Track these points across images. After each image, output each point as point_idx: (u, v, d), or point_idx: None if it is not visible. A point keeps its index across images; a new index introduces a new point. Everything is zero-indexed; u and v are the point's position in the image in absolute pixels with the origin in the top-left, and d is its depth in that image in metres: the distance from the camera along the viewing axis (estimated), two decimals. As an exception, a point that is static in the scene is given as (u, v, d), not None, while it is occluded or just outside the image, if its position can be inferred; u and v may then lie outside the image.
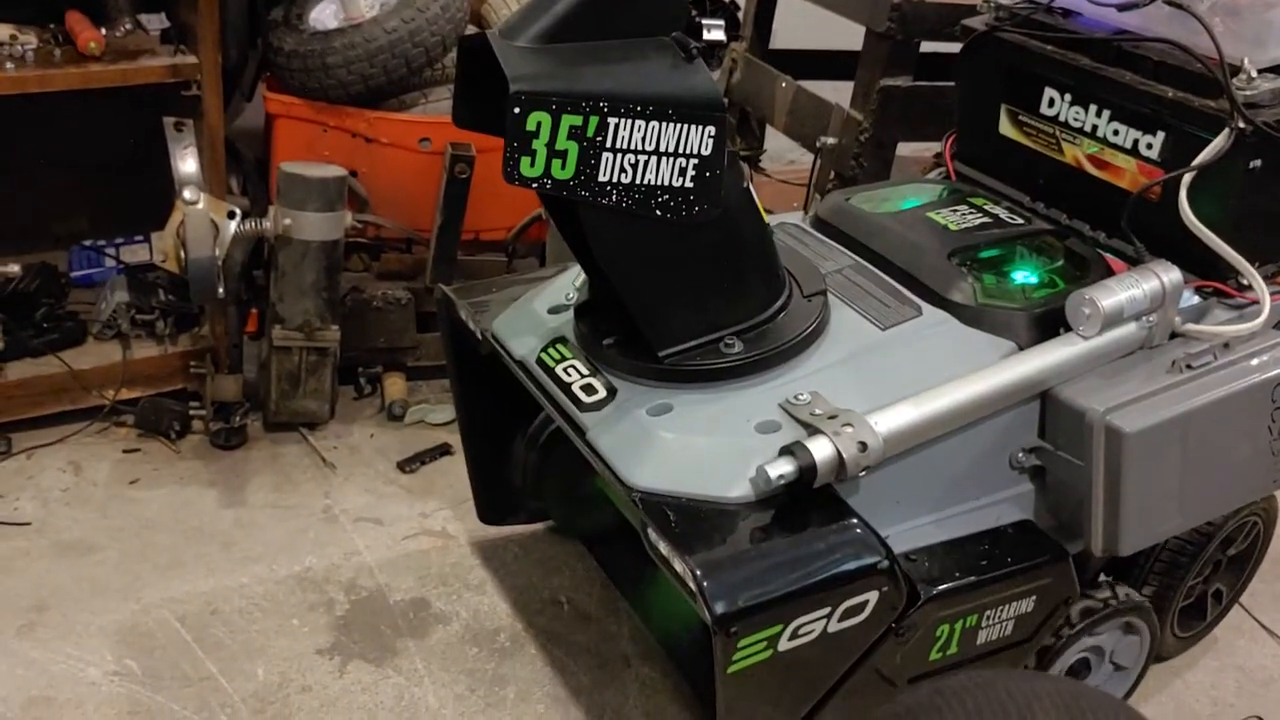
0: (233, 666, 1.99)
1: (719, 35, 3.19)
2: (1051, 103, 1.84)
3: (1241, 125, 1.58)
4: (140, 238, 2.91)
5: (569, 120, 1.34)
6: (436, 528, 2.34)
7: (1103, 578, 1.82)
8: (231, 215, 2.38)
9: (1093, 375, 1.59)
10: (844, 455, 1.41)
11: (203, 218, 2.31)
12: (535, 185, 1.37)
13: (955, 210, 1.84)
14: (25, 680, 1.95)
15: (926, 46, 2.46)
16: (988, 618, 1.58)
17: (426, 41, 2.64)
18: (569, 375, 1.61)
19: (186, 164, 2.42)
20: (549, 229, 2.73)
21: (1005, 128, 1.94)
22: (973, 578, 1.53)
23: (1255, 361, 1.62)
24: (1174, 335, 1.66)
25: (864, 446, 1.42)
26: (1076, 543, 1.66)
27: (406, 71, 2.65)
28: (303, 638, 2.07)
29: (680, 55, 1.41)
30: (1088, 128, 1.80)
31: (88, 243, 2.93)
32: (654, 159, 1.40)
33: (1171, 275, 1.60)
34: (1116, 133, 1.76)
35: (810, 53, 3.11)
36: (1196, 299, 1.72)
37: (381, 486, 2.46)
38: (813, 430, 1.44)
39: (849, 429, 1.43)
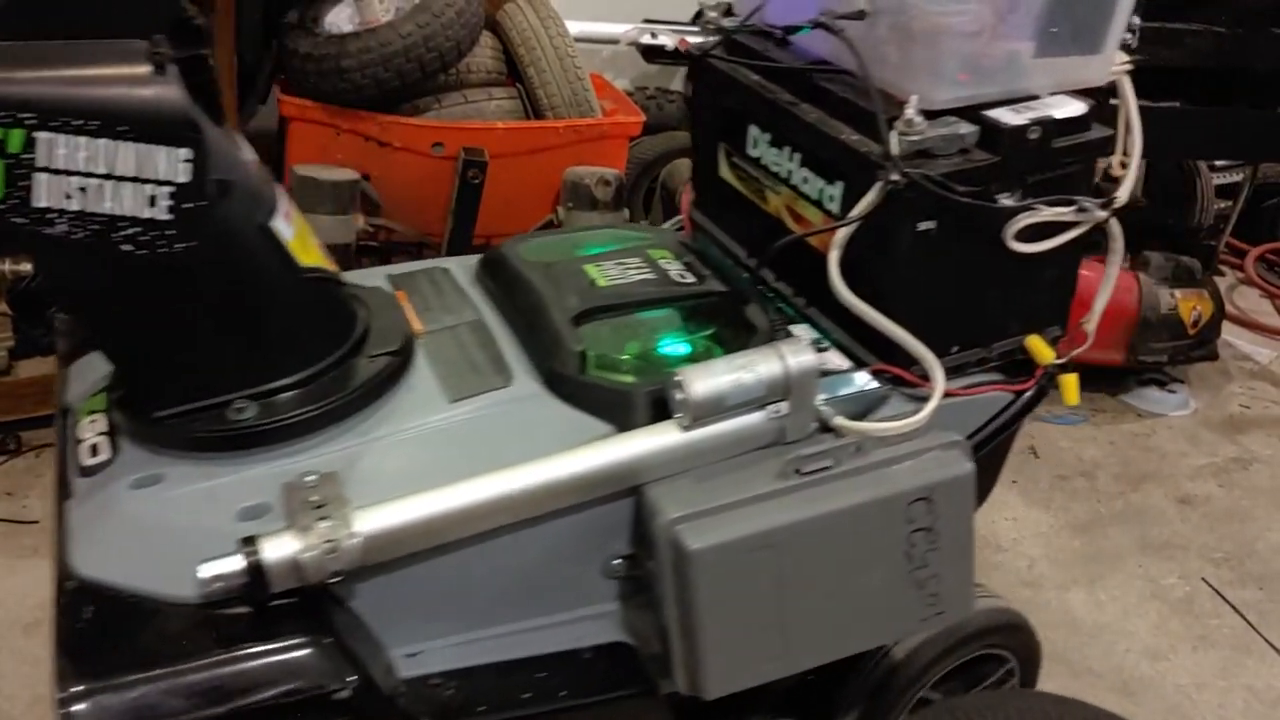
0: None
1: None
2: (755, 143, 1.56)
3: (895, 177, 1.28)
4: (151, 236, 2.91)
5: (-19, 132, 1.12)
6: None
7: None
8: None
9: (689, 475, 1.30)
10: (302, 557, 1.15)
11: (215, 219, 2.34)
12: (-51, 210, 1.15)
13: (622, 263, 1.57)
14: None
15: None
16: (531, 760, 1.30)
17: (441, 46, 2.66)
18: (86, 431, 1.38)
19: (199, 166, 2.45)
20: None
21: (724, 170, 1.66)
22: (503, 713, 1.26)
23: (889, 471, 1.31)
24: (829, 429, 1.36)
25: (335, 547, 1.17)
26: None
27: (421, 76, 2.68)
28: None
29: (148, 63, 1.17)
30: (784, 173, 1.51)
31: (98, 241, 2.94)
32: (110, 184, 1.17)
33: (801, 358, 1.30)
34: (806, 180, 1.48)
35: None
36: (873, 385, 1.42)
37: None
38: (292, 522, 1.19)
39: (323, 524, 1.18)
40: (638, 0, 3.61)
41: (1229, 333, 3.57)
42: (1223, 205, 3.72)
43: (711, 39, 1.61)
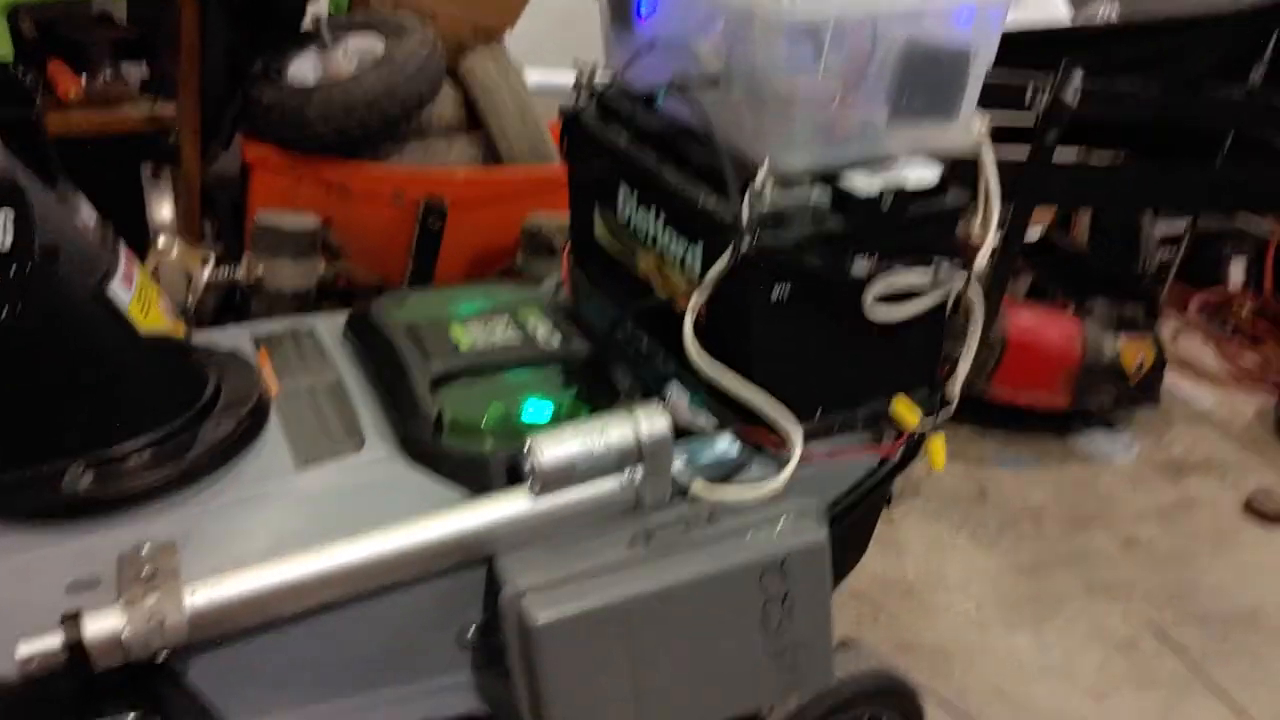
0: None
1: None
2: (624, 204, 1.57)
3: (745, 243, 1.29)
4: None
5: None
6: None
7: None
8: (205, 262, 2.46)
9: (541, 544, 1.30)
10: (123, 634, 1.15)
11: (176, 265, 2.39)
12: None
13: (489, 323, 1.57)
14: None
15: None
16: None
17: (403, 98, 2.71)
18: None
19: (162, 211, 2.60)
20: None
21: (599, 231, 1.66)
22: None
23: (743, 540, 1.31)
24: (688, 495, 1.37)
25: (161, 624, 1.16)
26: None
27: (383, 126, 2.72)
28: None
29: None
30: (651, 235, 1.52)
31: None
32: (-70, 250, 1.17)
33: (655, 424, 1.31)
34: (670, 244, 1.48)
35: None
36: (735, 449, 1.42)
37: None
38: (119, 596, 1.19)
39: (152, 598, 1.17)
40: (596, 50, 3.65)
41: (1171, 378, 3.65)
42: (1165, 253, 3.77)
43: (583, 99, 1.62)
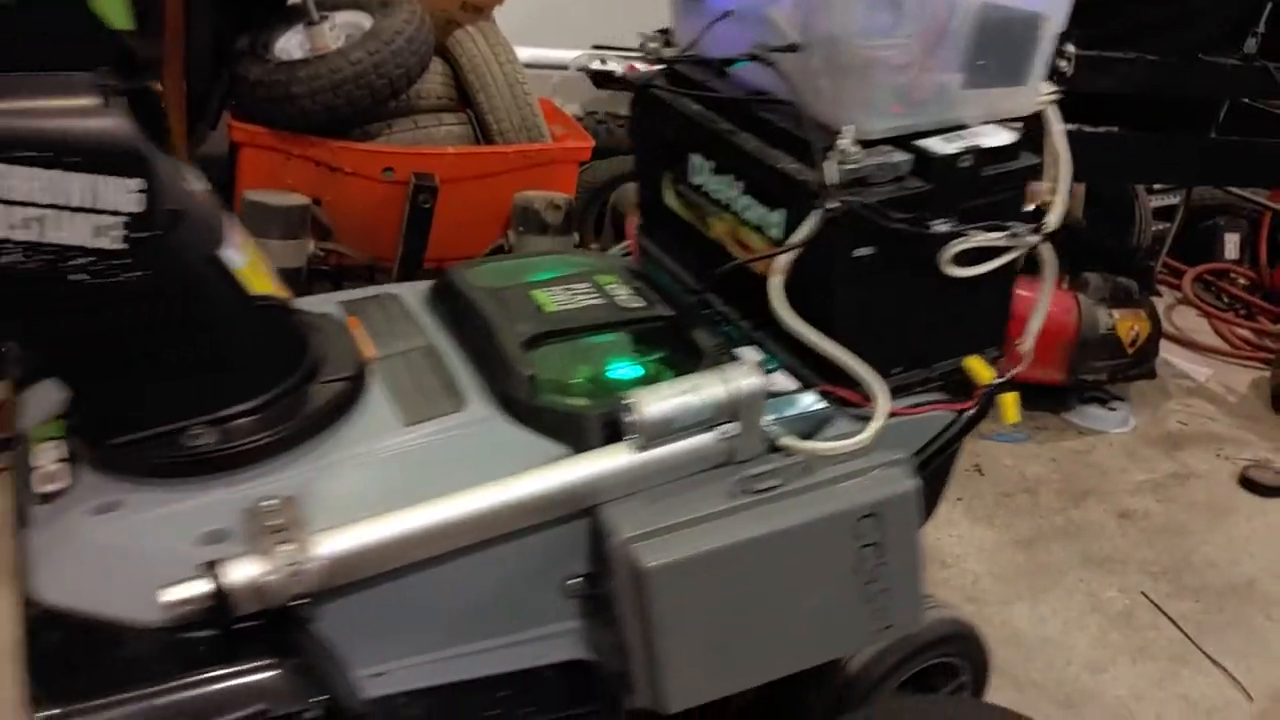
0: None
1: None
2: (698, 171, 1.65)
3: (832, 205, 1.37)
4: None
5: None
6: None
7: None
8: None
9: (641, 495, 1.38)
10: (263, 580, 1.22)
11: (164, 246, 2.41)
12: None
13: (570, 288, 1.64)
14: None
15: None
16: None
17: (391, 73, 2.74)
18: (42, 459, 1.42)
19: (150, 192, 2.50)
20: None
21: (669, 198, 1.74)
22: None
23: (836, 489, 1.40)
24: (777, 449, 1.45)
25: (298, 570, 1.23)
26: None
27: (371, 102, 2.75)
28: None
29: (96, 95, 1.24)
30: (725, 200, 1.60)
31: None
32: (61, 214, 1.22)
33: (749, 381, 1.39)
34: (748, 208, 1.56)
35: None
36: (820, 406, 1.50)
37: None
38: (253, 546, 1.26)
39: (287, 548, 1.24)
40: (587, 27, 3.73)
41: (1167, 351, 3.70)
42: (1160, 227, 3.85)
43: (653, 69, 1.70)
